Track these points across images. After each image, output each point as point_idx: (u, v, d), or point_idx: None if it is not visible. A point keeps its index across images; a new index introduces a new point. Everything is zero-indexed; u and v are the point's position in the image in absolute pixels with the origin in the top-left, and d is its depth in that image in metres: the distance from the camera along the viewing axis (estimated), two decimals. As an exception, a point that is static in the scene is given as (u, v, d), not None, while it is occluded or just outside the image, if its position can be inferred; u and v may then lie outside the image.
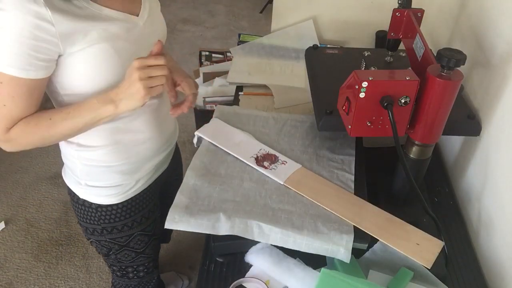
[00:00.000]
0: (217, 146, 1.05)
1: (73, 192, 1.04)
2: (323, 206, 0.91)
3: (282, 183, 0.96)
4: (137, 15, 0.88)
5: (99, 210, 1.03)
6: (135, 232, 1.11)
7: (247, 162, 1.01)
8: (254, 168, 1.00)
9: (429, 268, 0.81)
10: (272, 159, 1.03)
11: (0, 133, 0.82)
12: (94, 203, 1.03)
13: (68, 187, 1.05)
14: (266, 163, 1.01)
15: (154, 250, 1.23)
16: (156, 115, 1.02)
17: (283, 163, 1.02)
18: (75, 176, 1.01)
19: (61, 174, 1.10)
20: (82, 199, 1.02)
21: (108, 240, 1.09)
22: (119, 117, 0.93)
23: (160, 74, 0.81)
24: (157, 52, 0.83)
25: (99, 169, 0.98)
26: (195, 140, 1.09)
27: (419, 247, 0.83)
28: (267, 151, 1.05)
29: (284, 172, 0.99)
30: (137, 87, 0.80)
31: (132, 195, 1.06)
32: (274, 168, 1.00)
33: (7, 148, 0.85)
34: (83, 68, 0.82)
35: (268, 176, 0.98)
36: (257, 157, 1.03)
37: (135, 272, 1.22)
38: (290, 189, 0.95)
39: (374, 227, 0.86)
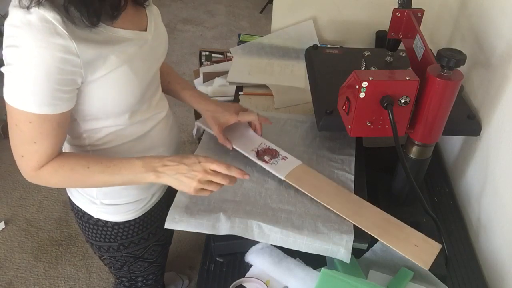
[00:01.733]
0: (216, 146, 1.05)
1: (84, 212, 1.00)
2: (322, 203, 0.91)
3: (283, 178, 0.96)
4: (145, 30, 0.85)
5: (116, 228, 1.01)
6: (150, 243, 1.10)
7: (248, 155, 1.00)
8: (254, 168, 1.00)
9: (427, 269, 0.81)
10: (273, 154, 1.02)
11: (30, 170, 0.79)
12: (110, 221, 1.00)
13: (77, 207, 1.01)
14: (266, 158, 1.01)
15: (164, 258, 1.23)
16: (165, 128, 1.01)
17: (283, 158, 1.02)
18: (88, 196, 0.97)
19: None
20: (96, 218, 0.99)
21: (124, 255, 1.08)
22: (136, 139, 0.92)
23: (219, 183, 0.81)
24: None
25: (117, 188, 0.95)
26: (194, 131, 1.08)
27: (417, 249, 0.83)
28: (267, 146, 1.04)
29: (284, 167, 0.98)
30: (190, 183, 0.79)
31: (149, 208, 1.04)
32: (274, 163, 0.99)
33: (33, 181, 0.82)
34: (103, 93, 0.79)
35: (268, 176, 0.98)
36: (258, 151, 1.02)
37: (144, 281, 1.21)
38: (290, 189, 0.95)
39: (373, 226, 0.86)
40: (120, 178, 0.81)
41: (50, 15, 0.67)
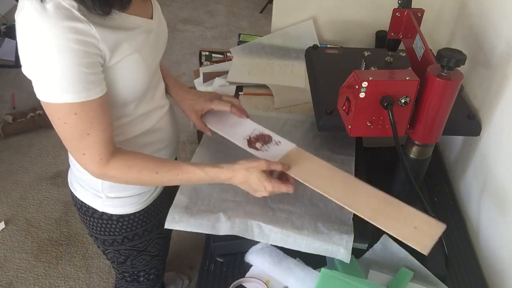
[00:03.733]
0: (217, 146, 1.05)
1: (88, 206, 1.00)
2: (315, 188, 0.85)
3: None
4: (151, 17, 0.87)
5: (121, 221, 1.02)
6: (154, 236, 1.11)
7: (240, 145, 0.97)
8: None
9: (426, 254, 0.74)
10: (265, 140, 0.99)
11: (96, 167, 0.80)
12: (115, 214, 1.00)
13: (80, 202, 1.01)
14: (258, 144, 0.97)
15: (166, 252, 1.24)
16: (169, 123, 1.02)
17: (276, 143, 0.97)
18: (93, 190, 0.97)
19: (61, 174, 1.09)
20: (101, 212, 1.00)
21: (128, 248, 1.08)
22: (141, 132, 0.94)
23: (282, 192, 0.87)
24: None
25: None
26: (192, 124, 1.07)
27: (416, 231, 0.77)
28: (261, 132, 1.00)
29: (275, 154, 0.94)
30: (263, 195, 0.87)
31: (153, 199, 1.05)
32: (266, 150, 0.96)
33: (104, 180, 0.88)
34: (115, 80, 0.80)
35: None
36: (250, 138, 0.99)
37: (146, 276, 1.21)
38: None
39: (368, 209, 0.81)
40: (188, 182, 0.89)
41: (66, 2, 0.68)
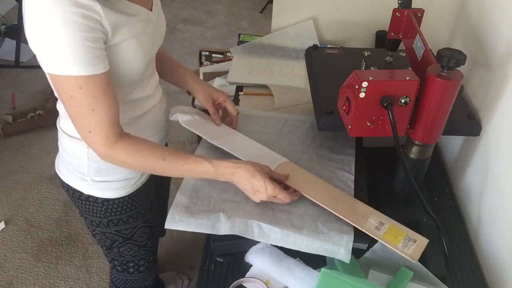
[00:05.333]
0: (217, 146, 1.05)
1: (75, 189, 1.03)
2: (307, 196, 0.91)
3: None
4: (151, 10, 0.91)
5: (105, 204, 1.04)
6: (139, 223, 1.12)
7: (236, 155, 0.99)
8: None
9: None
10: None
11: (102, 146, 0.82)
12: (100, 198, 1.03)
13: (67, 185, 1.04)
14: None
15: (154, 244, 1.25)
16: (159, 111, 1.06)
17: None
18: (79, 174, 1.00)
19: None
20: (87, 194, 1.03)
21: (113, 232, 1.11)
22: (133, 117, 0.96)
23: (280, 203, 0.91)
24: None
25: (109, 165, 0.96)
26: (171, 117, 1.09)
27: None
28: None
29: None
30: (254, 199, 0.90)
31: (138, 186, 1.07)
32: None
33: (107, 161, 0.86)
34: (116, 61, 0.83)
35: None
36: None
37: (136, 267, 1.23)
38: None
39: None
40: (192, 175, 0.91)
41: None
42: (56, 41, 0.72)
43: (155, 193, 1.19)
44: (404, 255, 0.80)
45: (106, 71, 0.78)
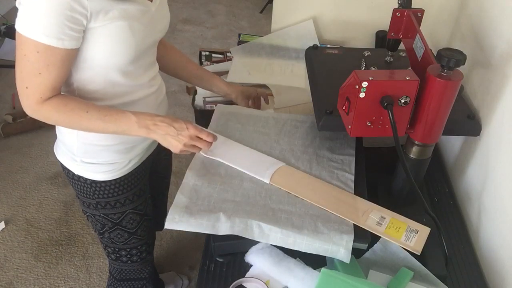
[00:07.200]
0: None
1: (68, 169, 1.07)
2: (300, 196, 0.92)
3: (267, 181, 0.96)
4: (151, 1, 0.92)
5: (93, 186, 1.07)
6: (127, 209, 1.14)
7: (235, 166, 1.00)
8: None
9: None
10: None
11: (33, 102, 0.86)
12: (89, 179, 1.06)
13: (61, 164, 1.09)
14: None
15: (147, 233, 1.25)
16: (155, 100, 1.07)
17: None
18: (70, 153, 1.04)
19: (61, 174, 1.11)
20: (78, 175, 1.06)
21: (102, 215, 1.13)
22: (122, 104, 0.98)
23: (201, 147, 0.96)
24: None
25: (96, 148, 1.02)
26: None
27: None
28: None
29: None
30: (176, 145, 0.92)
31: (125, 173, 1.09)
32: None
33: (34, 116, 0.89)
34: (103, 43, 0.86)
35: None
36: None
37: (128, 256, 1.25)
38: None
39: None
40: (114, 127, 0.91)
41: None
42: (37, 8, 0.76)
43: (148, 182, 1.21)
44: (407, 248, 0.81)
45: (69, 49, 0.82)
